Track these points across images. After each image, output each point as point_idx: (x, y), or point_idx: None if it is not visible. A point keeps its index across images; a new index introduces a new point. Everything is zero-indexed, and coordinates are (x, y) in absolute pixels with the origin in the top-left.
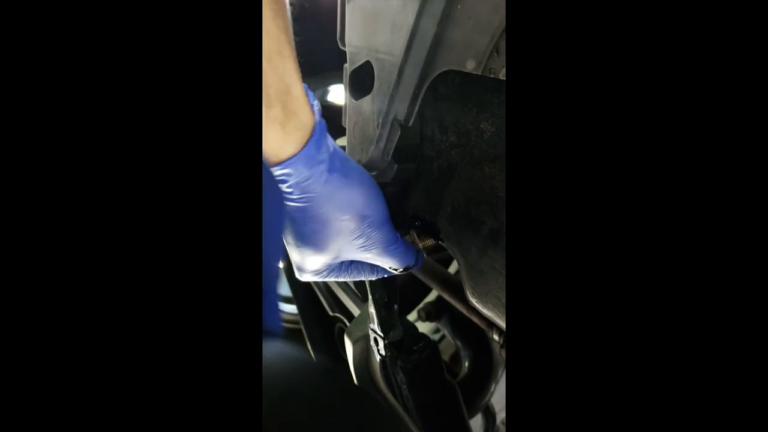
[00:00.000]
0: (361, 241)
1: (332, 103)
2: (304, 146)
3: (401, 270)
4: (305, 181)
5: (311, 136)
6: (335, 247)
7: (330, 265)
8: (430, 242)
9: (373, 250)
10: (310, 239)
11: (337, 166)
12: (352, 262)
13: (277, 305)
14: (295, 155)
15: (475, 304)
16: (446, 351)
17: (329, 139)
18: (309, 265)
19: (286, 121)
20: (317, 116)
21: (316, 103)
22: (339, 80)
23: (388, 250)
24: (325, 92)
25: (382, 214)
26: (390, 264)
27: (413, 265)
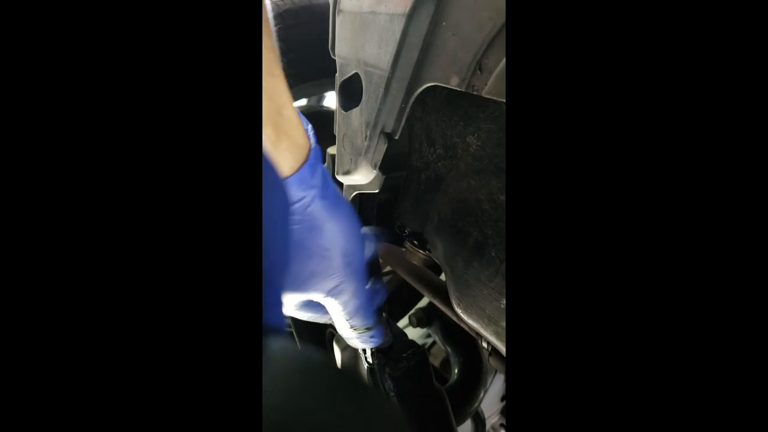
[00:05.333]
0: (334, 281)
1: (328, 108)
2: (298, 169)
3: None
4: (295, 203)
5: (306, 159)
6: (310, 282)
7: (296, 305)
8: (422, 254)
9: (343, 297)
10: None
11: (329, 194)
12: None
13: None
14: (288, 177)
15: (461, 314)
16: (437, 356)
17: (323, 167)
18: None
19: (277, 142)
20: (312, 141)
21: (310, 128)
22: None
23: (356, 304)
24: (321, 98)
25: (361, 259)
26: (352, 322)
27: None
